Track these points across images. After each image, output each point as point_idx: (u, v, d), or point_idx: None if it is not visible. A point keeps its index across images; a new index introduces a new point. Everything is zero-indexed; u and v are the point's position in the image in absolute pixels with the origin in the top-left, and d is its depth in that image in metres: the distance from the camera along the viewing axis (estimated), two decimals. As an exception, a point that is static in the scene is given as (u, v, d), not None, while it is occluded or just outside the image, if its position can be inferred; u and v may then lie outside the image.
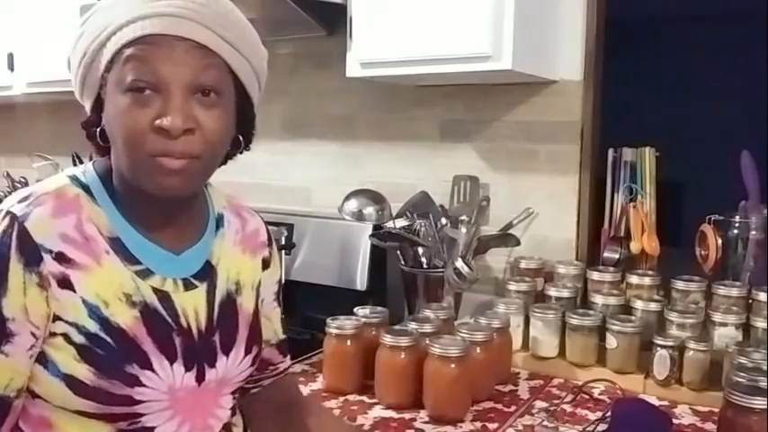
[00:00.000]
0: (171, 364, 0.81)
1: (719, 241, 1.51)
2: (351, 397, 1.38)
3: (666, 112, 4.32)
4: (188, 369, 0.83)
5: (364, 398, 1.37)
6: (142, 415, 0.80)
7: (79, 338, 0.77)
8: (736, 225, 1.53)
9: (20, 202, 0.78)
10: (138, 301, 0.81)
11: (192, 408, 0.85)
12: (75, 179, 0.83)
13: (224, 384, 0.89)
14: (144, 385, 0.79)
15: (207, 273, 0.89)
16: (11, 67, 2.33)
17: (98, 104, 0.82)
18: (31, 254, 0.75)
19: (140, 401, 0.79)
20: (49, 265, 0.76)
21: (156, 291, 0.83)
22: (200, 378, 0.85)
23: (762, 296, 1.41)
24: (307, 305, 1.85)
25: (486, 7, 1.45)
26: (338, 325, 1.42)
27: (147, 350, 0.80)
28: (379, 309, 1.53)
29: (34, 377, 0.78)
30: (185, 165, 0.77)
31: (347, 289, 1.85)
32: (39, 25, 2.22)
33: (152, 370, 0.80)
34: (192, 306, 0.86)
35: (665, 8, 3.97)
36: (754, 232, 1.51)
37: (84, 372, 0.77)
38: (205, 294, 0.87)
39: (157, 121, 0.75)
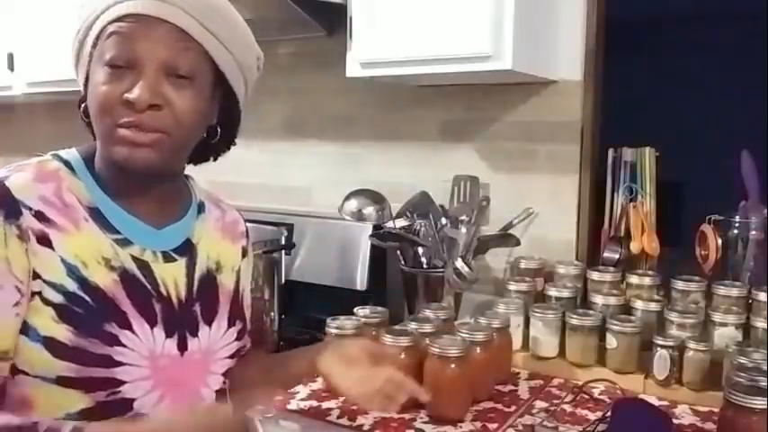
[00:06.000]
0: (151, 327, 0.82)
1: (719, 241, 1.51)
2: (351, 397, 1.38)
3: (666, 112, 4.32)
4: (169, 335, 0.84)
5: (364, 398, 1.37)
6: (122, 383, 0.80)
7: (57, 298, 0.78)
8: (736, 225, 1.52)
9: (2, 170, 0.82)
10: (116, 266, 0.82)
11: (174, 381, 0.85)
12: (56, 156, 0.87)
13: (210, 359, 0.89)
14: (123, 345, 0.79)
15: (187, 249, 0.91)
16: (11, 67, 2.33)
17: (87, 80, 0.85)
18: (11, 207, 0.77)
19: (120, 363, 0.79)
20: (29, 221, 0.78)
21: (135, 259, 0.84)
22: (182, 347, 0.85)
23: (762, 296, 1.40)
24: (307, 305, 1.85)
25: (486, 7, 1.45)
26: (338, 325, 1.42)
27: (126, 311, 0.81)
28: (379, 309, 1.53)
29: (15, 347, 0.78)
30: (155, 139, 0.80)
31: (347, 289, 1.85)
32: (39, 25, 2.22)
33: (131, 330, 0.80)
34: (172, 277, 0.87)
35: (665, 8, 3.97)
36: (754, 232, 1.51)
37: (63, 332, 0.77)
38: (185, 268, 0.90)
39: (126, 95, 0.79)
